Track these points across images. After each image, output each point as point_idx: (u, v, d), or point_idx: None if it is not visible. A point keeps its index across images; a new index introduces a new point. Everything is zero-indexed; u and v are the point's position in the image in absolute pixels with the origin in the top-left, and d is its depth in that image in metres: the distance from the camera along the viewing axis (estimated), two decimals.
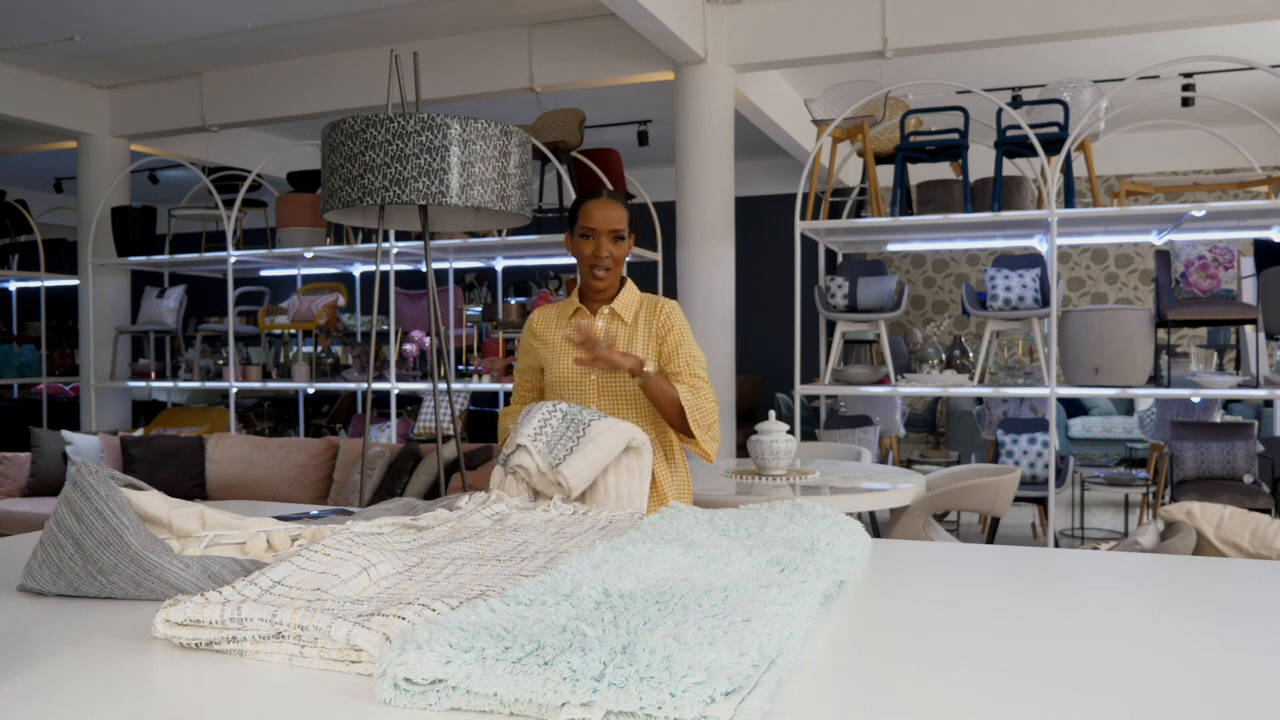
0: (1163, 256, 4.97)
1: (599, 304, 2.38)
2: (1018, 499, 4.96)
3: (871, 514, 5.06)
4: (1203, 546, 2.15)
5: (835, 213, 7.16)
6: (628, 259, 2.45)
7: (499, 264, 7.21)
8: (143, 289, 7.51)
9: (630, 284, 2.41)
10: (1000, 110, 5.29)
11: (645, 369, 2.22)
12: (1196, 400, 5.62)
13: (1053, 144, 5.15)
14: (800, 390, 5.40)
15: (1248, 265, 5.05)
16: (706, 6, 6.04)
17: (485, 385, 5.94)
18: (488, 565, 1.24)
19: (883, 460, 6.33)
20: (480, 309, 7.09)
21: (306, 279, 7.89)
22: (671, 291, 6.47)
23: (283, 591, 1.07)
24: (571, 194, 5.80)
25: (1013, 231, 5.92)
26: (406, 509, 1.63)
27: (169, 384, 7.17)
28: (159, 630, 1.02)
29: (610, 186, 5.99)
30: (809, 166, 5.43)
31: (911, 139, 5.34)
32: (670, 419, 2.30)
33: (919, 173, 6.48)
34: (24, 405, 8.91)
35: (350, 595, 1.09)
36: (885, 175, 6.39)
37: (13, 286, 9.22)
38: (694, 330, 2.48)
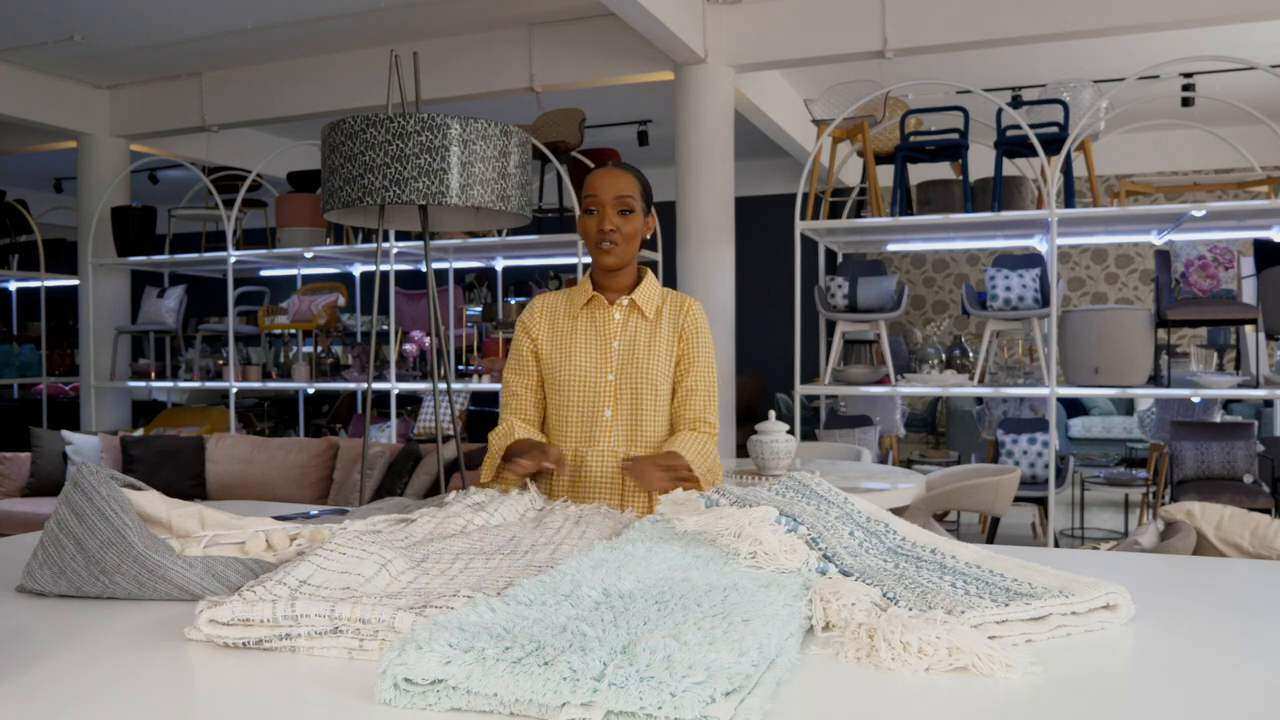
0: (1163, 256, 4.97)
1: (615, 293, 2.12)
2: (1018, 499, 4.96)
3: None
4: (1203, 546, 2.15)
5: (835, 213, 7.15)
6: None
7: (499, 264, 7.21)
8: (143, 289, 7.51)
9: (651, 276, 2.17)
10: (1000, 110, 5.29)
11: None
12: (1196, 400, 5.62)
13: (1053, 144, 5.15)
14: (800, 390, 5.40)
15: (1248, 265, 5.05)
16: (706, 6, 6.04)
17: (485, 385, 5.94)
18: (495, 559, 1.25)
19: (883, 460, 6.33)
20: (480, 309, 7.10)
21: (306, 279, 7.89)
22: None
23: (311, 590, 1.07)
24: (572, 194, 5.81)
25: (1013, 231, 5.92)
26: (399, 508, 1.64)
27: (169, 384, 7.17)
28: (202, 631, 1.02)
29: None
30: (809, 166, 5.43)
31: (911, 139, 5.34)
32: None
33: (919, 173, 6.48)
34: (24, 405, 8.91)
35: (378, 591, 1.10)
36: (885, 175, 6.39)
37: (13, 286, 9.22)
38: None
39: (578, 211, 2.11)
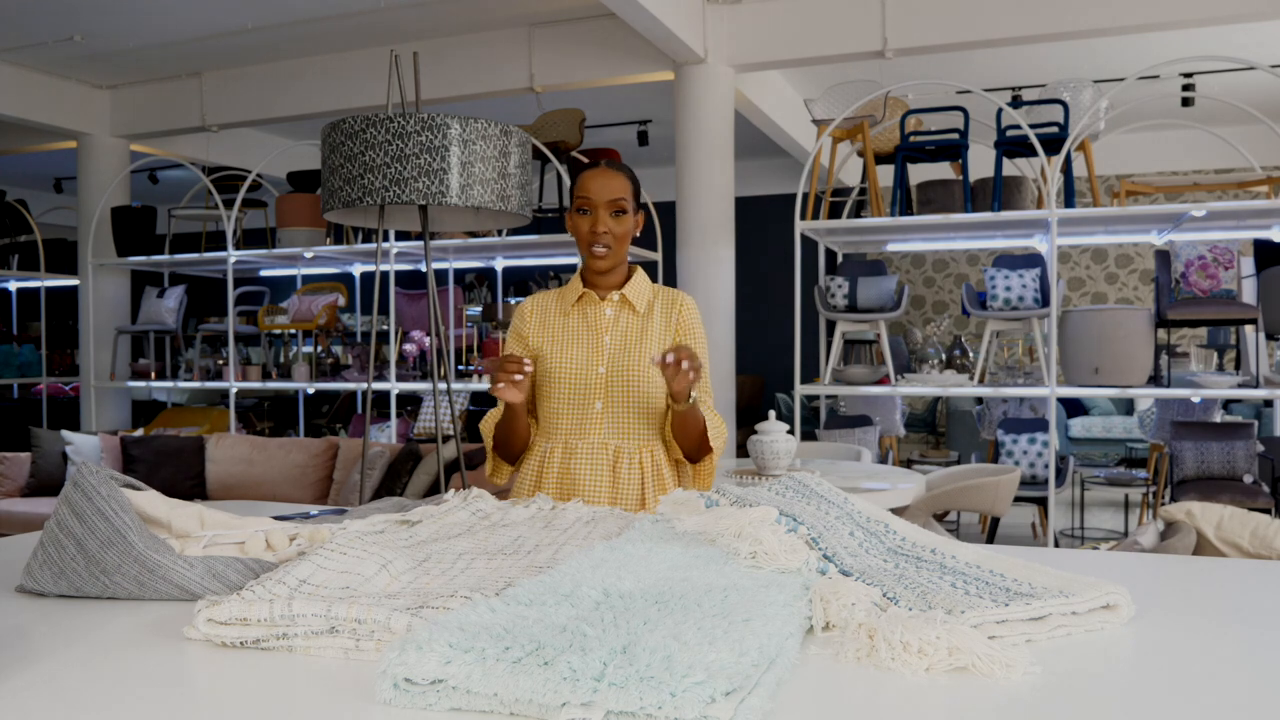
0: (1163, 256, 4.97)
1: (606, 290, 2.16)
2: (1018, 499, 4.96)
3: None
4: (1203, 546, 2.15)
5: (835, 213, 7.15)
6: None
7: (499, 264, 7.22)
8: (143, 289, 7.51)
9: (641, 272, 2.21)
10: (1000, 110, 5.29)
11: (692, 397, 1.99)
12: (1196, 400, 5.62)
13: (1053, 144, 5.15)
14: (800, 390, 5.40)
15: (1248, 265, 5.05)
16: (706, 6, 6.04)
17: (485, 385, 5.95)
18: (497, 559, 1.25)
19: (883, 460, 6.33)
20: (480, 309, 7.10)
21: (306, 279, 7.89)
22: None
23: (311, 590, 1.07)
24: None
25: (1013, 231, 5.92)
26: (397, 508, 1.64)
27: (169, 384, 7.17)
28: (200, 630, 1.02)
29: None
30: (809, 166, 5.44)
31: (911, 139, 5.34)
32: (686, 441, 2.09)
33: (919, 173, 6.48)
34: (24, 405, 8.91)
35: (378, 591, 1.10)
36: (885, 175, 6.39)
37: (13, 286, 9.22)
38: None
39: (568, 206, 2.11)
